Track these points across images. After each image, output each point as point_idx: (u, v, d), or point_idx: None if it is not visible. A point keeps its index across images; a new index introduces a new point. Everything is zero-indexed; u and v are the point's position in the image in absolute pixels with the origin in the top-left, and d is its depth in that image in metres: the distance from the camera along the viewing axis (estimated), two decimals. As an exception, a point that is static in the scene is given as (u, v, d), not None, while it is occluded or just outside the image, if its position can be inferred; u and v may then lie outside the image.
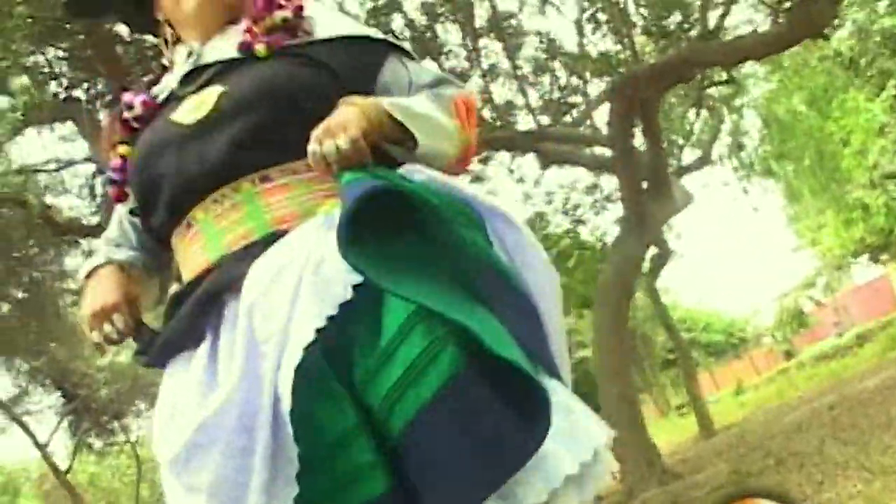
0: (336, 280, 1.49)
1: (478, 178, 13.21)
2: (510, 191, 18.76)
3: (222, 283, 1.67)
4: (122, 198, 1.96)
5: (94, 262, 1.96)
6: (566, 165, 13.00)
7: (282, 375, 1.45)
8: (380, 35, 1.97)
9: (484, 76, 11.52)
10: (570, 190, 14.84)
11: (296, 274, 1.52)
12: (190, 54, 1.95)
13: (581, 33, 11.24)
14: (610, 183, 13.64)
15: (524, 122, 13.03)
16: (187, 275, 1.80)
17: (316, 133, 1.63)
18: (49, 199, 10.18)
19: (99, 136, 9.48)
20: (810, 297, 35.33)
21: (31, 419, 17.56)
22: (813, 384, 17.50)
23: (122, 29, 9.01)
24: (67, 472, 15.68)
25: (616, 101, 9.17)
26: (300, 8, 1.93)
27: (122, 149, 1.92)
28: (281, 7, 1.92)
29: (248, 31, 1.90)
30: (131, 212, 1.98)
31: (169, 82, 1.96)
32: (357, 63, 1.90)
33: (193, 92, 1.86)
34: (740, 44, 8.62)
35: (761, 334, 41.91)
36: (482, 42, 11.38)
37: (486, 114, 11.80)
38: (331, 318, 1.46)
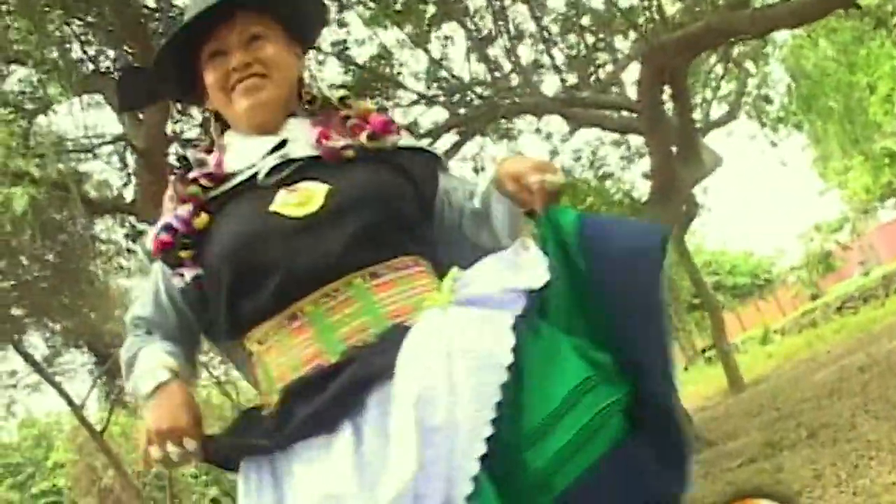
0: (488, 365, 1.63)
1: (505, 136, 13.28)
2: (537, 147, 18.87)
3: (366, 374, 1.77)
4: (168, 247, 2.01)
5: (156, 375, 1.95)
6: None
7: (457, 463, 1.58)
8: (431, 149, 2.21)
9: (510, 37, 11.54)
10: (597, 145, 14.94)
11: (448, 363, 1.64)
12: (277, 148, 2.04)
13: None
14: (637, 138, 13.70)
15: (550, 82, 13.10)
16: (289, 363, 1.88)
17: (526, 168, 1.85)
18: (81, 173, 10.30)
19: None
20: (837, 241, 35.27)
21: (63, 379, 17.85)
22: (841, 337, 17.53)
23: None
24: (103, 432, 15.87)
25: (644, 69, 9.20)
26: (400, 129, 2.14)
27: (203, 219, 1.99)
28: (393, 128, 2.11)
29: (327, 136, 2.04)
30: (186, 284, 2.01)
31: (238, 164, 2.06)
32: (425, 172, 2.11)
33: (285, 184, 1.96)
34: (771, 13, 8.62)
35: (787, 275, 41.93)
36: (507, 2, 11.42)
37: (514, 79, 11.87)
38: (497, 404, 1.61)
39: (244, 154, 2.07)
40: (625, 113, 11.79)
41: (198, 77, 2.14)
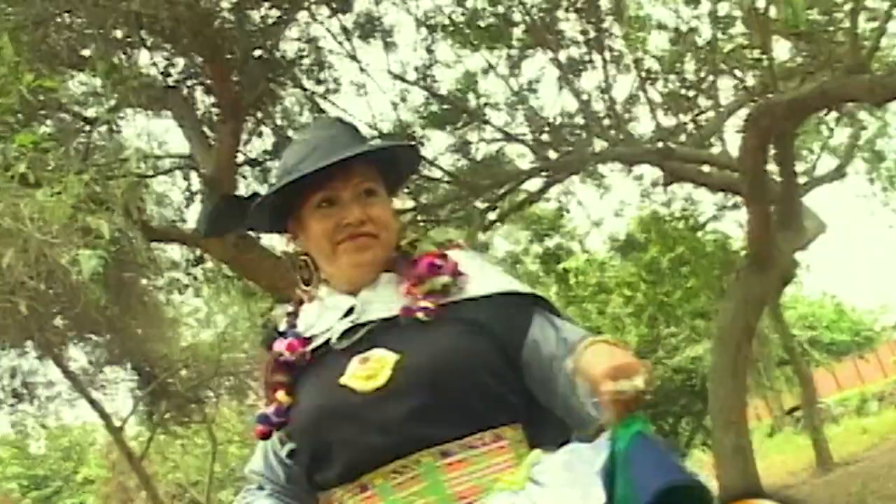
0: None
1: (591, 175, 13.40)
2: (626, 189, 18.97)
3: None
4: (267, 436, 2.20)
5: None
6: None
7: None
8: (527, 289, 2.22)
9: (605, 66, 11.67)
10: (691, 191, 14.94)
11: None
12: (350, 311, 2.18)
13: (716, 25, 11.24)
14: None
15: (644, 122, 13.17)
16: None
17: (601, 375, 1.75)
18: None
19: (196, 127, 9.90)
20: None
21: (101, 395, 18.22)
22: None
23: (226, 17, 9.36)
24: (142, 458, 16.24)
25: (750, 131, 9.28)
26: (457, 269, 2.19)
27: (282, 396, 2.15)
28: (440, 270, 2.17)
29: (409, 293, 2.15)
30: (288, 455, 2.18)
31: (318, 325, 2.21)
32: (510, 321, 2.14)
33: (357, 350, 2.10)
34: (891, 82, 8.65)
35: (890, 333, 41.27)
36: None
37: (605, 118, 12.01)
38: None
39: (325, 313, 2.22)
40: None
41: (291, 215, 2.28)
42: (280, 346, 2.20)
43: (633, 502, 1.66)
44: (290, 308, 2.31)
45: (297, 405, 2.14)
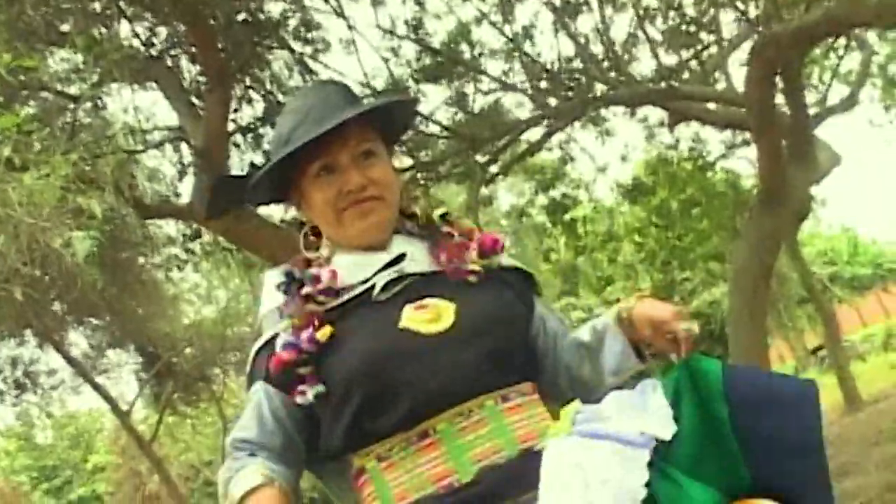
0: (625, 498, 1.82)
1: (593, 120, 13.36)
2: (630, 132, 18.94)
3: (501, 495, 1.99)
4: (289, 366, 2.12)
5: (249, 480, 2.09)
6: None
7: None
8: (530, 270, 2.43)
9: (601, 6, 11.62)
10: (698, 131, 14.90)
11: (586, 493, 1.82)
12: (394, 262, 2.24)
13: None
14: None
15: (645, 62, 13.12)
16: (412, 481, 2.03)
17: (669, 315, 2.07)
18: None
19: (183, 98, 9.87)
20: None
21: (106, 379, 18.31)
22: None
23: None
24: (152, 440, 16.32)
25: (754, 62, 9.22)
26: (503, 247, 2.37)
27: (326, 328, 2.13)
28: (496, 246, 2.34)
29: (453, 256, 2.27)
30: (308, 402, 2.12)
31: (348, 278, 2.23)
32: (527, 292, 2.37)
33: (407, 299, 2.15)
34: (900, 4, 8.59)
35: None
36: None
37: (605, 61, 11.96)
38: None
39: (355, 269, 2.24)
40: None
41: (291, 185, 2.33)
42: (319, 271, 2.23)
43: (747, 420, 1.93)
44: (297, 266, 2.30)
45: (343, 347, 2.11)
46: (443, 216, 2.39)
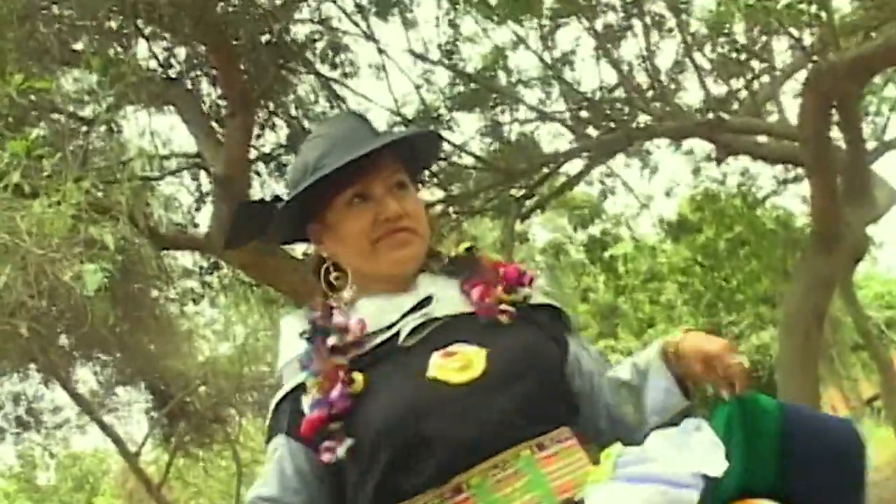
0: None
1: (636, 153, 13.35)
2: (676, 166, 18.98)
3: None
4: (322, 425, 2.09)
5: None
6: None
7: None
8: (563, 307, 2.41)
9: (646, 32, 11.61)
10: (747, 165, 14.85)
11: None
12: (420, 305, 2.23)
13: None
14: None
15: (693, 91, 13.09)
16: None
17: (720, 349, 2.05)
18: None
19: (203, 123, 9.91)
20: None
21: (114, 419, 18.36)
22: None
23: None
24: (161, 485, 16.33)
25: (810, 96, 9.21)
26: (533, 281, 2.36)
27: (358, 379, 2.11)
28: (525, 281, 2.32)
29: (483, 295, 2.26)
30: (338, 459, 2.08)
31: (372, 323, 2.21)
32: (560, 331, 2.35)
33: (435, 345, 2.13)
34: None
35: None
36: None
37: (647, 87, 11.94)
38: None
39: (380, 313, 2.24)
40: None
41: (312, 218, 2.34)
42: (344, 322, 2.21)
43: (796, 462, 1.98)
44: (317, 312, 2.29)
45: (371, 401, 2.10)
46: (468, 250, 2.40)
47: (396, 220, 2.23)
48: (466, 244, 2.43)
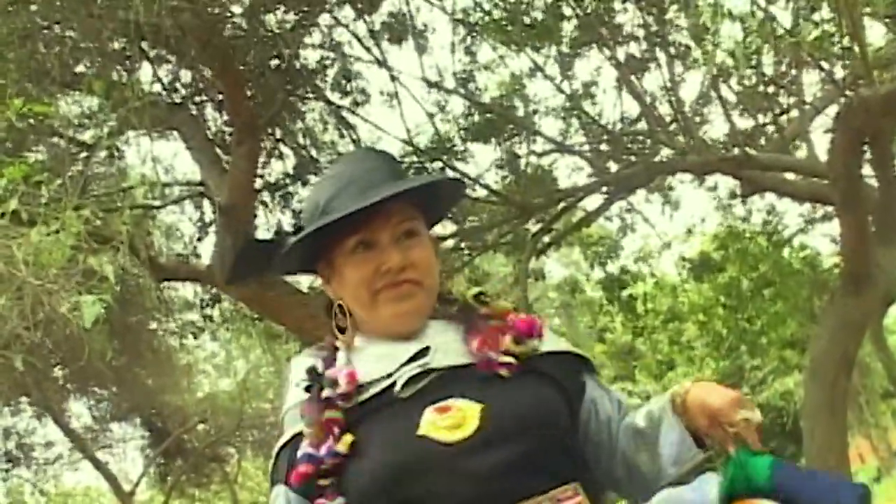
0: None
1: (658, 188, 13.37)
2: (698, 201, 18.98)
3: None
4: (307, 479, 2.10)
5: None
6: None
7: None
8: (580, 351, 2.38)
9: (670, 63, 11.63)
10: (773, 203, 14.85)
11: None
12: (418, 355, 2.21)
13: (798, 10, 11.16)
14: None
15: (717, 123, 13.10)
16: None
17: (727, 404, 2.03)
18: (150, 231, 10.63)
19: (207, 150, 9.94)
20: None
21: (108, 455, 18.35)
22: None
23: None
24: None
25: (840, 132, 9.20)
26: (542, 331, 2.31)
27: (346, 437, 2.10)
28: (537, 330, 2.28)
29: (483, 345, 2.21)
30: None
31: (371, 372, 2.21)
32: (574, 379, 2.31)
33: (430, 399, 2.11)
34: None
35: None
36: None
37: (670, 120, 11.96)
38: None
39: (379, 361, 2.23)
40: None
41: (321, 258, 2.34)
42: (335, 374, 2.21)
43: None
44: (324, 353, 2.31)
45: (361, 460, 2.09)
46: (477, 296, 2.38)
47: (399, 271, 2.23)
48: (475, 290, 2.40)
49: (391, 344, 2.25)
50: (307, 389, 2.23)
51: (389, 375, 2.19)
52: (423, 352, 2.21)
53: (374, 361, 2.24)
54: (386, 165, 2.34)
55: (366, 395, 2.19)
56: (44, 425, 17.38)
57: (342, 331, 2.33)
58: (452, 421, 2.06)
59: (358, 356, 2.27)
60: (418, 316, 2.28)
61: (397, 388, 2.16)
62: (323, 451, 2.10)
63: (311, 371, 2.25)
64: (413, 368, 2.18)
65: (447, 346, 2.24)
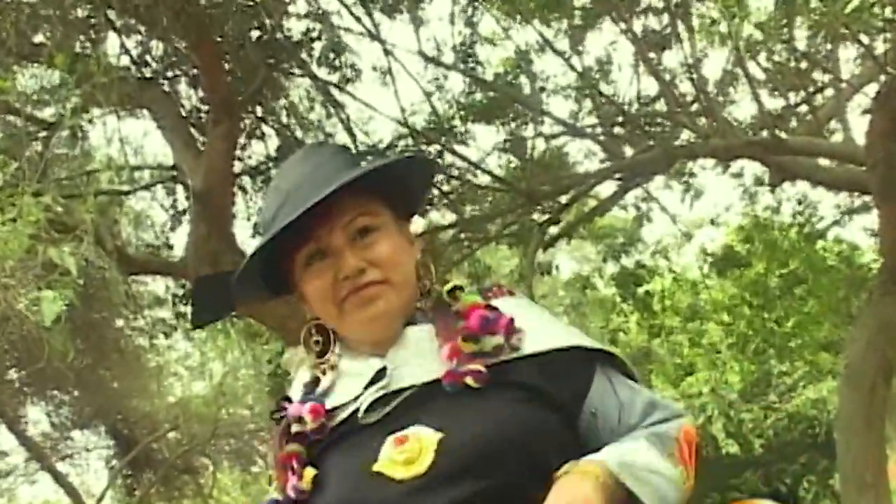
0: None
1: (678, 175, 13.36)
2: (724, 189, 18.93)
3: None
4: None
5: None
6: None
7: None
8: (593, 343, 2.25)
9: (692, 37, 11.60)
10: (805, 192, 14.85)
11: None
12: (377, 378, 2.17)
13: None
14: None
15: (744, 104, 13.07)
16: None
17: None
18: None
19: (181, 129, 9.94)
20: None
21: (69, 466, 18.36)
22: None
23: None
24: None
25: (880, 112, 9.20)
26: (511, 326, 2.19)
27: (308, 476, 2.12)
28: (491, 327, 2.17)
29: (453, 353, 2.14)
30: None
31: (339, 395, 2.21)
32: (569, 383, 2.19)
33: (392, 427, 2.08)
34: None
35: None
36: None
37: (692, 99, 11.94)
38: None
39: (352, 380, 2.22)
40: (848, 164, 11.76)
41: (288, 274, 2.29)
42: (300, 410, 2.20)
43: None
44: (306, 378, 2.31)
45: (323, 490, 2.11)
46: (451, 291, 2.29)
47: (358, 274, 2.17)
48: (450, 285, 2.32)
49: (364, 359, 2.24)
50: (277, 421, 2.25)
51: (357, 398, 2.18)
52: (382, 372, 2.18)
53: (348, 380, 2.23)
54: (335, 160, 2.29)
55: (335, 421, 2.19)
56: (-3, 434, 17.38)
57: (322, 354, 2.31)
58: (408, 455, 2.03)
59: (340, 376, 2.26)
60: (388, 318, 2.22)
61: (360, 414, 2.15)
62: (289, 488, 2.14)
63: (286, 400, 2.27)
64: (374, 392, 2.16)
65: (421, 356, 2.20)
